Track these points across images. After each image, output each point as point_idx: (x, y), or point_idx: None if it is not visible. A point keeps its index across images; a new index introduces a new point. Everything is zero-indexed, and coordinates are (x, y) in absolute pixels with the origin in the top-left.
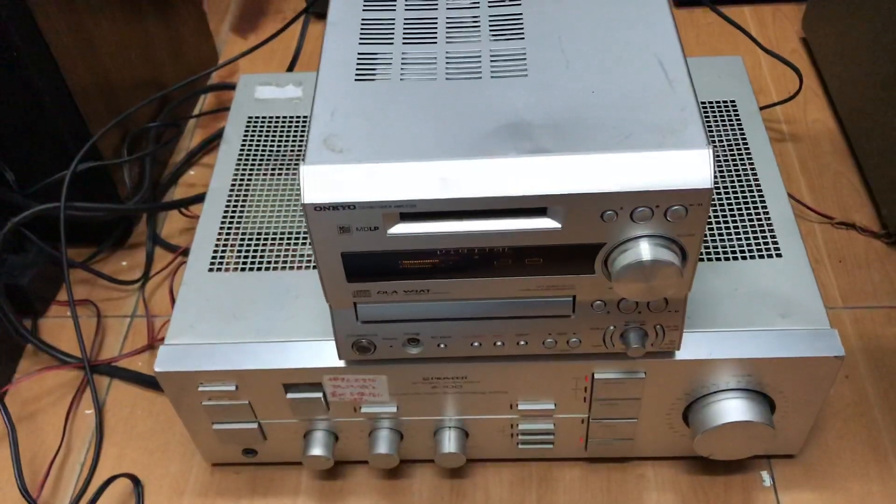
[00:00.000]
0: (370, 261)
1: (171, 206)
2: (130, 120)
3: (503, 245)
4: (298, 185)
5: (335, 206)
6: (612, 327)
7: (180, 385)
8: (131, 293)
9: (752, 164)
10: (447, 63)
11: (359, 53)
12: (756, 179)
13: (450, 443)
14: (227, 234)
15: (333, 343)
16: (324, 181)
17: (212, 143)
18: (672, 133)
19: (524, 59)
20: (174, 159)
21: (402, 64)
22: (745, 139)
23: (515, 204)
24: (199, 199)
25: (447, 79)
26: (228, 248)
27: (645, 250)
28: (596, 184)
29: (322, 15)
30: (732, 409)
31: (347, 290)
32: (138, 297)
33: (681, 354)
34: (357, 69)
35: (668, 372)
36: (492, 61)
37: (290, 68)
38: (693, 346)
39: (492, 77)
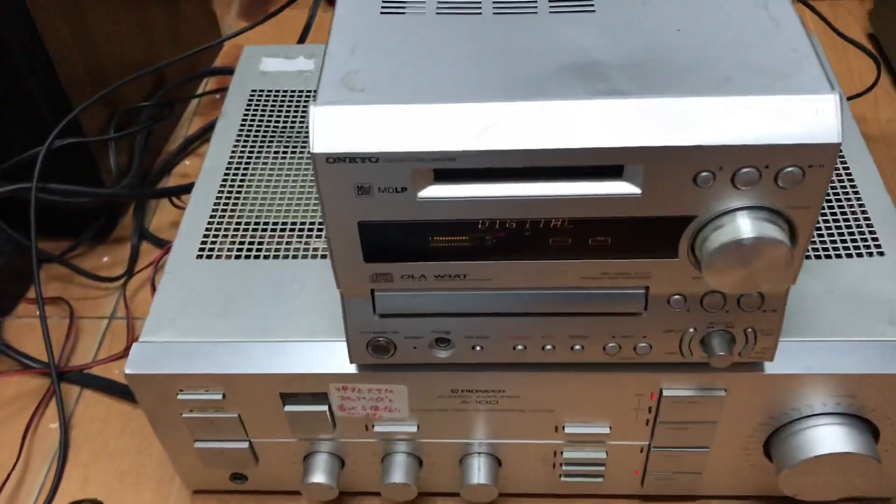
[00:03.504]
0: (394, 233)
1: (161, 193)
2: (120, 100)
3: (563, 217)
4: (309, 145)
5: (353, 158)
6: (691, 329)
7: (156, 391)
8: (112, 292)
9: (840, 152)
10: None
11: None
12: (847, 169)
13: (479, 472)
14: (221, 217)
15: (343, 343)
16: (339, 126)
17: (211, 133)
18: (784, 76)
19: None
20: (168, 148)
21: None
22: None
23: (583, 160)
24: None
25: (495, 13)
26: (222, 233)
27: (747, 225)
28: (691, 135)
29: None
30: (831, 437)
31: (364, 273)
32: (119, 296)
33: (771, 367)
34: (384, 1)
35: (754, 389)
36: None
37: (301, 41)
38: (786, 358)
39: (550, 12)
